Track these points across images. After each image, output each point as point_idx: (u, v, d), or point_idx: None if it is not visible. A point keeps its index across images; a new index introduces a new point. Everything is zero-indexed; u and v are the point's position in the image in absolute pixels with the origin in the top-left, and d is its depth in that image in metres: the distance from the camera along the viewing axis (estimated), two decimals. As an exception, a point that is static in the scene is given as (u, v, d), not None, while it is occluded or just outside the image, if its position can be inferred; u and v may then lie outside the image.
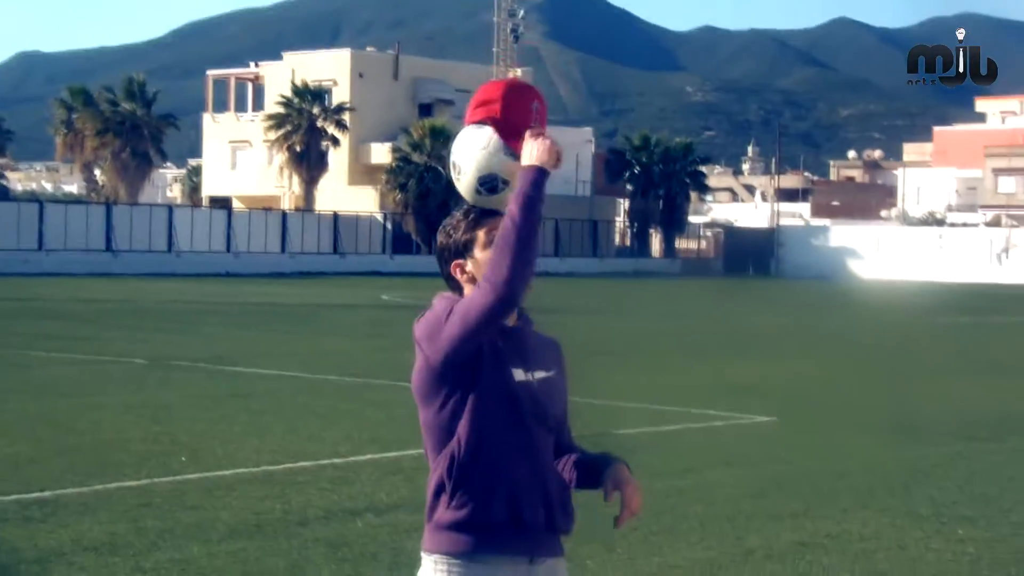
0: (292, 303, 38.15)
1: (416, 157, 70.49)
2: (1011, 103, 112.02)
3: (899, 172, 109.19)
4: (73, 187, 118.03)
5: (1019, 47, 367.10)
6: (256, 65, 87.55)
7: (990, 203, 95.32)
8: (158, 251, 61.08)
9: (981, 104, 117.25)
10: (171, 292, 41.81)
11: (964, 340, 30.55)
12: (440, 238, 3.75)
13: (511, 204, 3.50)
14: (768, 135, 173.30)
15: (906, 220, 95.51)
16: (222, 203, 77.93)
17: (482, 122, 3.70)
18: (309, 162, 73.33)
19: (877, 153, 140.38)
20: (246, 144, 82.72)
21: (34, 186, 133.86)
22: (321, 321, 31.16)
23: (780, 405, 16.09)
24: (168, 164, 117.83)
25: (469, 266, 3.68)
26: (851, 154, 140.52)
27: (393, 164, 71.74)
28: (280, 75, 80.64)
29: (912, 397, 17.68)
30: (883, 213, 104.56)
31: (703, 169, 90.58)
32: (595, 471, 3.79)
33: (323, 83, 77.18)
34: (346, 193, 76.67)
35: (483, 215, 3.69)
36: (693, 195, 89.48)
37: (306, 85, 74.80)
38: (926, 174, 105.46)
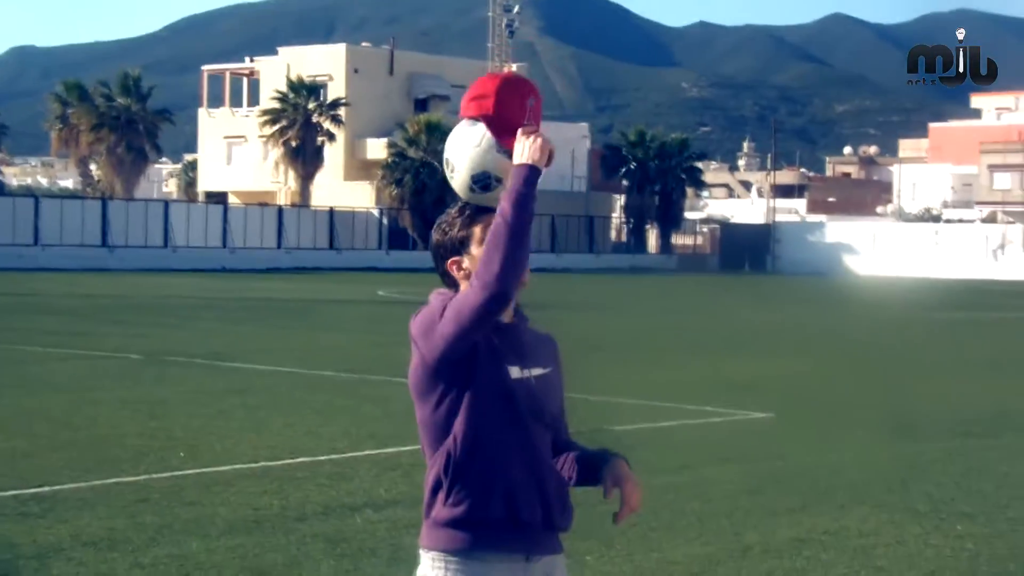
0: (288, 299, 38.13)
1: (412, 152, 70.48)
2: (1007, 99, 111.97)
3: (895, 168, 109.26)
4: (69, 182, 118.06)
5: (1015, 43, 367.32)
6: (251, 60, 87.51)
7: (986, 199, 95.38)
8: (154, 246, 61.06)
9: (977, 100, 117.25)
10: (167, 287, 41.80)
11: (960, 336, 30.58)
12: (435, 235, 3.75)
13: (503, 202, 3.50)
14: (764, 131, 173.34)
15: (902, 216, 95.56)
16: (218, 198, 77.89)
17: (475, 118, 3.70)
18: (305, 157, 73.30)
19: (873, 149, 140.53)
20: (242, 139, 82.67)
21: (29, 181, 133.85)
22: (317, 317, 31.16)
23: (777, 401, 16.10)
24: (164, 159, 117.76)
25: (466, 263, 3.68)
26: (847, 150, 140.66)
27: (389, 159, 71.73)
28: (275, 70, 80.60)
29: (909, 393, 17.69)
30: (879, 209, 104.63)
31: (699, 165, 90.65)
32: (594, 467, 3.79)
33: (318, 78, 77.11)
34: (342, 188, 76.65)
35: (479, 212, 3.69)
36: (689, 191, 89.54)
37: (301, 80, 74.77)
38: (922, 170, 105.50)
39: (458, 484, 3.61)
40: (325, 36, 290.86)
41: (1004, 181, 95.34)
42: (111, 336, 23.23)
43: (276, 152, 74.39)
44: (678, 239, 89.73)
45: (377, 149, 76.37)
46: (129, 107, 74.95)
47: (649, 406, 15.35)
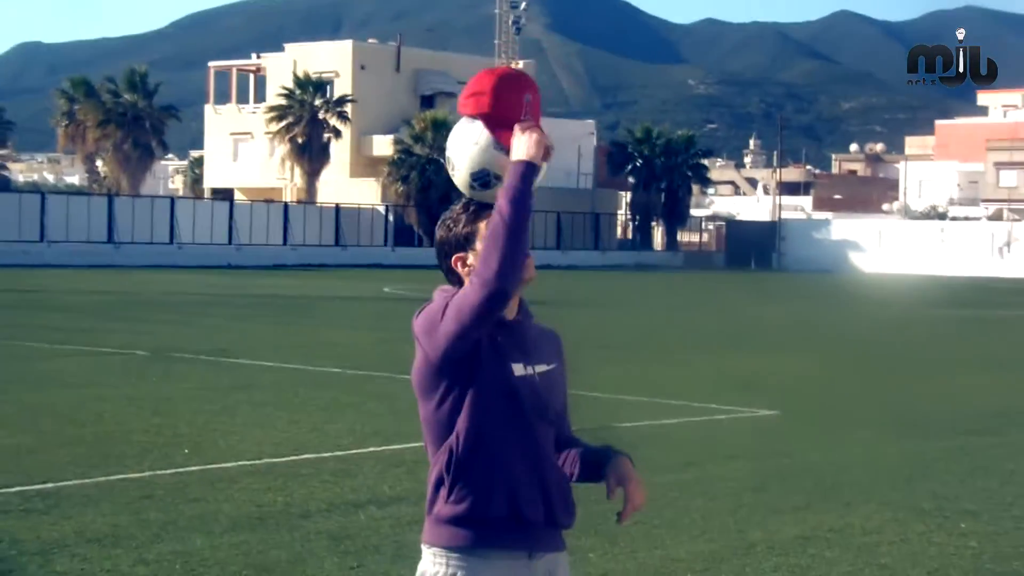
0: (294, 295, 38.14)
1: (418, 149, 70.47)
2: (1013, 96, 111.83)
3: (901, 165, 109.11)
4: (75, 178, 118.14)
5: (1020, 40, 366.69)
6: (258, 57, 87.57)
7: (992, 197, 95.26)
8: (160, 243, 61.07)
9: (983, 98, 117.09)
10: (173, 284, 41.83)
11: (966, 334, 30.55)
12: (440, 232, 3.74)
13: (499, 199, 3.49)
14: (770, 128, 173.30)
15: (908, 214, 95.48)
16: (224, 195, 77.94)
17: (473, 116, 3.70)
18: (311, 154, 73.32)
19: (879, 146, 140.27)
20: (248, 136, 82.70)
21: (36, 177, 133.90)
22: (323, 313, 31.17)
23: (782, 399, 16.08)
24: (170, 156, 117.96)
25: (470, 259, 3.67)
26: (853, 147, 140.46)
27: (395, 156, 71.74)
28: (282, 67, 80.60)
29: (914, 391, 17.67)
30: (885, 206, 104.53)
31: (705, 162, 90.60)
32: (597, 465, 3.79)
33: (325, 75, 77.09)
34: (348, 185, 76.67)
35: (483, 208, 3.68)
36: (695, 188, 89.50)
37: (308, 77, 74.76)
38: (928, 167, 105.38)
39: (460, 481, 3.61)
40: (332, 32, 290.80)
41: (1010, 179, 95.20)
42: (117, 333, 23.25)
43: (282, 149, 74.40)
44: (684, 236, 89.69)
45: (383, 146, 76.37)
46: (135, 103, 75.00)
47: (654, 403, 15.34)
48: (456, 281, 3.70)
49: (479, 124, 3.68)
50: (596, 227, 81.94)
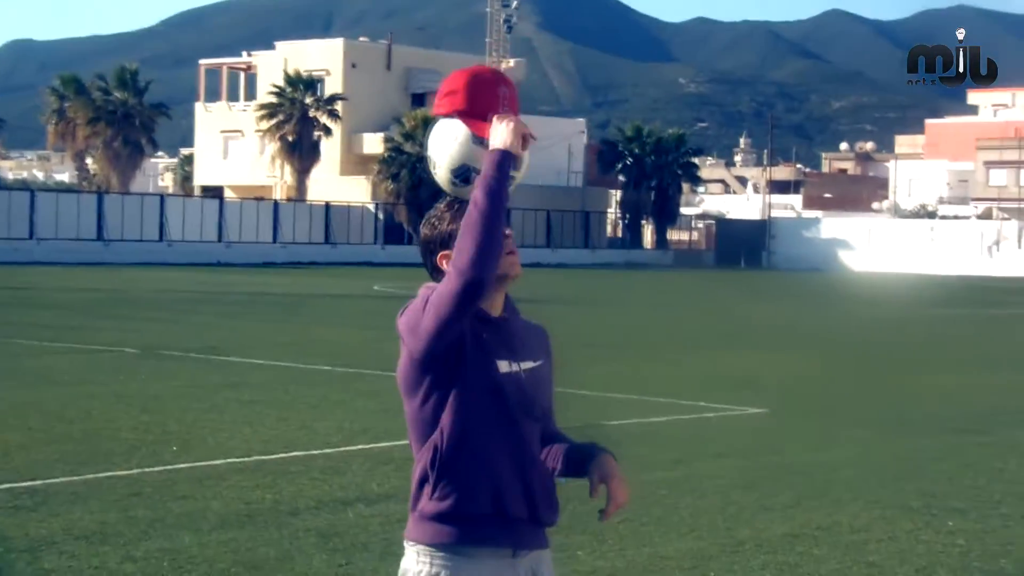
0: (283, 293, 38.12)
1: (408, 147, 70.44)
2: (1004, 96, 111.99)
3: (891, 164, 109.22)
4: (65, 176, 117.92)
5: (1012, 39, 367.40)
6: (248, 54, 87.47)
7: (981, 196, 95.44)
8: (150, 240, 60.98)
9: (973, 97, 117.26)
10: (162, 281, 41.77)
11: (955, 333, 30.59)
12: (425, 230, 3.74)
13: (475, 188, 3.50)
14: (760, 127, 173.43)
15: (898, 212, 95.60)
16: (214, 193, 77.87)
17: (450, 114, 3.70)
18: (301, 152, 73.26)
19: (869, 145, 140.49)
20: (238, 134, 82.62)
21: (25, 175, 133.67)
22: (312, 311, 31.16)
23: (771, 397, 16.10)
24: (160, 153, 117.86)
25: (456, 256, 3.67)
26: (843, 146, 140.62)
27: (385, 154, 71.72)
28: (272, 65, 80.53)
29: (903, 389, 17.70)
30: (875, 205, 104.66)
31: (695, 161, 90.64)
32: (581, 462, 3.78)
33: (315, 73, 77.03)
34: (338, 183, 76.62)
35: (467, 205, 3.69)
36: (685, 186, 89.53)
37: (298, 75, 74.70)
38: (918, 166, 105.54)
39: (445, 478, 3.61)
40: (323, 31, 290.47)
41: (1000, 177, 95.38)
42: (106, 330, 23.22)
43: (272, 147, 74.32)
44: (674, 234, 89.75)
45: (374, 144, 76.35)
46: (126, 101, 74.87)
47: (643, 401, 15.35)
48: (442, 279, 3.70)
49: (457, 121, 3.69)
50: (586, 225, 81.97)
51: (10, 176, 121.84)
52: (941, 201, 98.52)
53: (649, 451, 11.59)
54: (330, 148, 76.16)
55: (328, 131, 73.96)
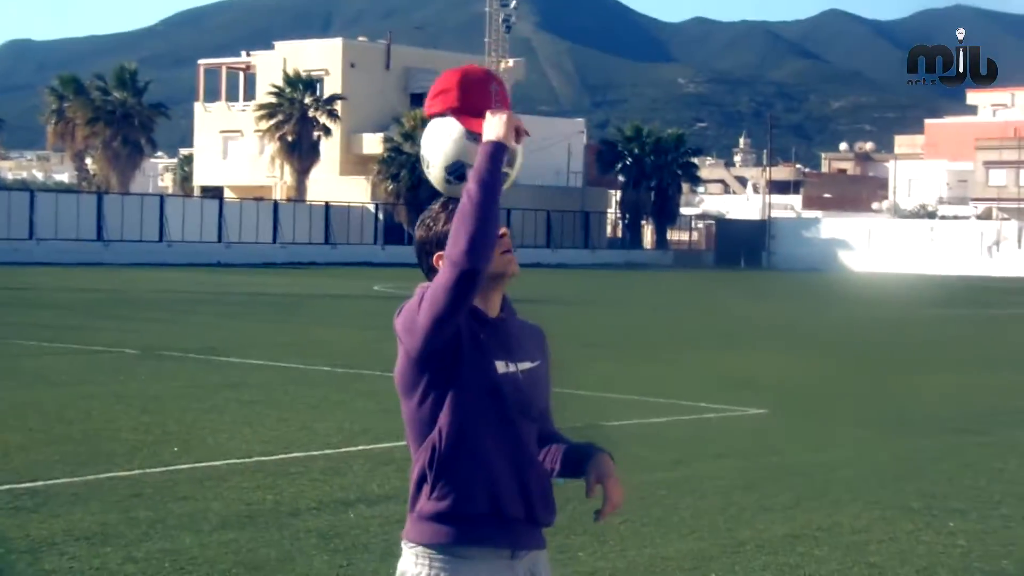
0: (283, 293, 38.11)
1: (408, 147, 70.38)
2: (1003, 96, 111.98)
3: (890, 164, 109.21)
4: (64, 176, 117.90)
5: (1010, 39, 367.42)
6: (248, 54, 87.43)
7: (981, 196, 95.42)
8: (149, 241, 60.96)
9: (972, 97, 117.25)
10: (162, 282, 41.77)
11: (955, 333, 30.60)
12: (419, 232, 3.74)
13: (469, 180, 3.50)
14: (760, 127, 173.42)
15: (897, 212, 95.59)
16: (213, 193, 77.85)
17: (442, 113, 3.71)
18: (301, 152, 73.24)
19: (868, 145, 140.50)
20: (238, 134, 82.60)
21: (25, 175, 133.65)
22: (312, 312, 31.15)
23: (771, 397, 16.10)
24: (159, 153, 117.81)
25: (452, 257, 3.67)
26: (843, 146, 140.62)
27: (385, 154, 71.72)
28: (272, 65, 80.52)
29: (903, 390, 17.70)
30: (874, 205, 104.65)
31: (695, 161, 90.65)
32: (578, 461, 3.78)
33: (315, 73, 77.03)
34: (338, 183, 76.61)
35: None
36: (685, 187, 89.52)
37: (298, 75, 74.69)
38: (917, 166, 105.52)
39: (442, 479, 3.61)
40: (321, 30, 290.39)
41: (999, 178, 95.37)
42: (106, 331, 23.21)
43: (272, 147, 74.30)
44: (674, 235, 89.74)
45: (373, 144, 76.34)
46: (125, 101, 74.86)
47: (643, 402, 15.35)
48: (437, 279, 3.71)
49: (450, 119, 3.70)
50: (586, 226, 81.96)
51: (10, 176, 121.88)
52: (941, 201, 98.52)
53: (649, 452, 11.58)
54: (329, 148, 76.15)
55: (327, 131, 73.95)
